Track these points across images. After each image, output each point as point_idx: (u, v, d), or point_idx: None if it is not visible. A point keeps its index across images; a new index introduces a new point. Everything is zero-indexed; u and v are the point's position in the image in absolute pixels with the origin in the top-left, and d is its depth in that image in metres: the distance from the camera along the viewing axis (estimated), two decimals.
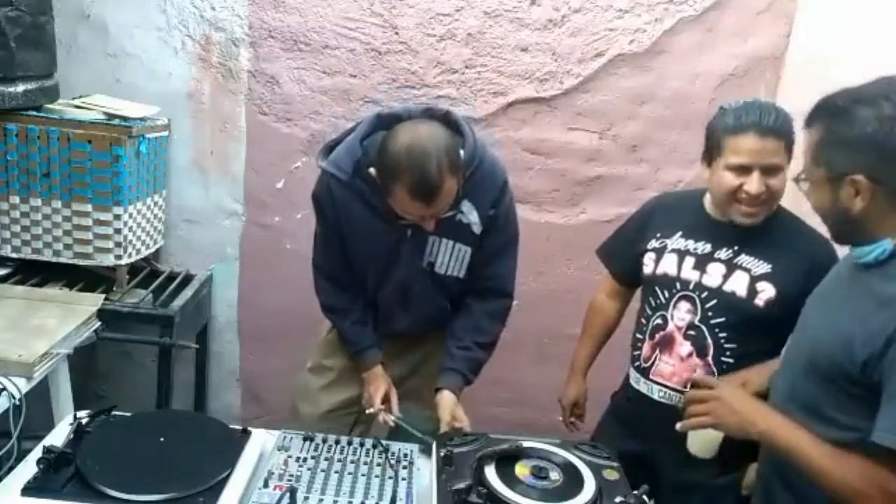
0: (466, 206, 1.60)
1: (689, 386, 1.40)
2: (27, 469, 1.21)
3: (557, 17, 2.29)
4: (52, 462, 1.19)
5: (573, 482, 1.27)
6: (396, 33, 2.32)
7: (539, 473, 1.27)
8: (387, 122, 1.56)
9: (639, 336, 1.67)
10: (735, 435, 1.25)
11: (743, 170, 1.43)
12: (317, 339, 1.91)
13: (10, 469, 1.25)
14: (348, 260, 1.69)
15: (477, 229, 1.63)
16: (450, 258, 1.65)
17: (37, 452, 1.24)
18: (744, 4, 2.27)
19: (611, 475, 1.31)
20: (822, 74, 2.10)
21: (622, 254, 1.77)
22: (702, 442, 1.43)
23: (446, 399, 1.64)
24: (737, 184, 1.44)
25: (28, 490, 1.16)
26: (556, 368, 2.51)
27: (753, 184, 1.42)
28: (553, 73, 2.34)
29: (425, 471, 1.36)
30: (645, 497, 1.23)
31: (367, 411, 1.69)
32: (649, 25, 2.30)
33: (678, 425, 1.32)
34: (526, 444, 1.36)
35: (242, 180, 2.47)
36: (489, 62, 2.33)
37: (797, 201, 1.51)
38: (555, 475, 1.28)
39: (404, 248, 1.62)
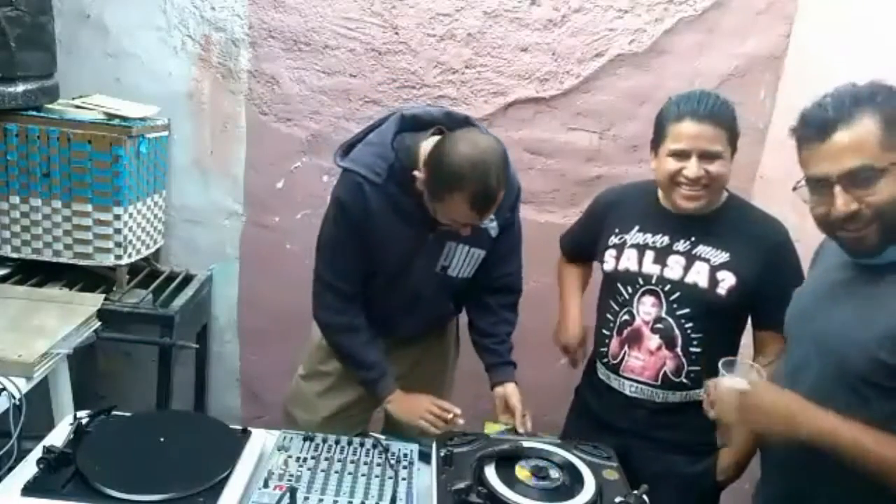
0: None
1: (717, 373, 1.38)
2: (27, 469, 1.21)
3: (557, 17, 2.29)
4: (52, 462, 1.19)
5: (573, 482, 1.27)
6: (396, 33, 2.32)
7: (539, 473, 1.28)
8: (410, 123, 1.57)
9: (605, 332, 1.67)
10: (775, 438, 1.20)
11: (682, 155, 1.48)
12: (309, 344, 1.88)
13: (10, 469, 1.25)
14: (360, 269, 1.65)
15: (494, 233, 1.66)
16: (464, 262, 1.66)
17: (37, 452, 1.24)
18: (744, 4, 2.27)
19: (611, 475, 1.32)
20: (822, 74, 2.10)
21: (578, 248, 1.83)
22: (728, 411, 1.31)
23: (514, 389, 1.70)
24: (677, 168, 1.49)
25: (28, 490, 1.16)
26: (556, 368, 2.52)
27: (692, 168, 1.46)
28: (553, 73, 2.34)
29: (425, 471, 1.36)
30: (645, 497, 1.24)
31: (444, 427, 1.62)
32: (649, 25, 2.30)
33: (709, 413, 1.30)
34: (526, 444, 1.36)
35: (242, 180, 2.47)
36: (489, 62, 2.33)
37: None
38: (555, 475, 1.28)
39: (421, 254, 1.62)
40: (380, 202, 1.54)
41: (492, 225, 1.64)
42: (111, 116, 2.11)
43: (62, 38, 2.25)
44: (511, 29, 2.31)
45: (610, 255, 1.65)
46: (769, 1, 2.26)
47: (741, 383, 1.25)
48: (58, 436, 1.33)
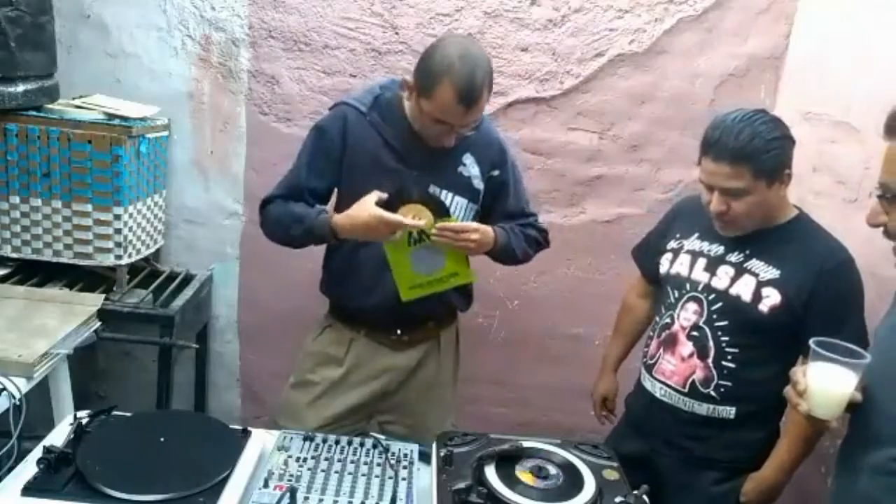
0: (469, 159, 1.68)
1: None
2: (27, 469, 1.21)
3: (557, 17, 2.29)
4: (52, 462, 1.19)
5: (573, 482, 1.27)
6: (396, 33, 2.31)
7: (539, 473, 1.27)
8: (403, 83, 1.63)
9: (650, 334, 1.71)
10: None
11: (708, 187, 1.48)
12: (300, 353, 1.88)
13: (10, 469, 1.25)
14: (312, 199, 1.70)
15: (478, 184, 1.70)
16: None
17: (37, 452, 1.24)
18: (744, 4, 2.27)
19: (611, 475, 1.31)
20: (822, 74, 2.10)
21: (649, 254, 1.79)
22: (823, 402, 1.15)
23: (479, 225, 1.64)
24: (707, 199, 1.49)
25: (28, 490, 1.16)
26: (557, 368, 2.52)
27: (713, 203, 1.46)
28: (553, 73, 2.34)
29: (425, 471, 1.36)
30: (645, 497, 1.24)
31: (398, 235, 1.57)
32: (649, 25, 2.30)
33: (799, 407, 1.17)
34: (526, 444, 1.36)
35: (242, 180, 2.47)
36: None
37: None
38: (555, 475, 1.28)
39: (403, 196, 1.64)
40: (362, 129, 1.64)
41: (475, 173, 1.68)
42: (111, 116, 2.11)
43: (62, 38, 2.25)
44: (511, 29, 2.31)
45: (666, 258, 1.66)
46: (769, 1, 2.26)
47: (845, 380, 1.11)
48: (58, 436, 1.33)
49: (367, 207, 1.54)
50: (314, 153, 1.70)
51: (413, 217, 1.56)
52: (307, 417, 1.77)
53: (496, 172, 1.72)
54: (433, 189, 1.66)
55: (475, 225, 1.63)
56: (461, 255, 1.69)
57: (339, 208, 1.70)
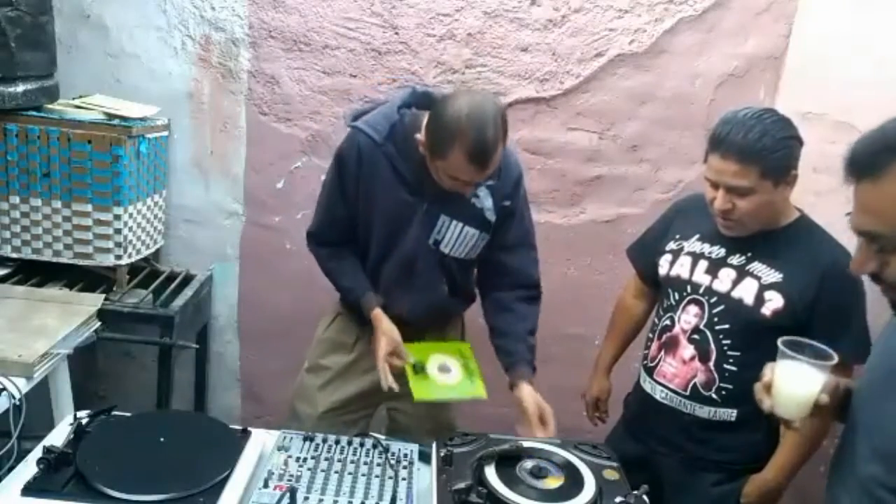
0: (483, 191, 1.64)
1: None
2: (27, 469, 1.21)
3: (557, 17, 2.29)
4: (52, 462, 1.19)
5: (573, 482, 1.27)
6: (396, 33, 2.31)
7: (539, 473, 1.28)
8: (421, 99, 1.61)
9: (650, 335, 1.70)
10: None
11: (714, 185, 1.46)
12: (314, 338, 1.91)
13: (10, 469, 1.25)
14: (352, 226, 1.72)
15: (490, 216, 1.67)
16: (456, 239, 1.68)
17: (37, 452, 1.24)
18: (744, 4, 2.27)
19: (611, 475, 1.32)
20: (822, 74, 2.10)
21: (646, 254, 1.78)
22: (788, 401, 1.11)
23: (528, 391, 1.61)
24: (711, 196, 1.47)
25: (28, 490, 1.16)
26: (557, 368, 2.52)
27: (718, 200, 1.45)
28: (553, 73, 2.34)
29: (425, 471, 1.36)
30: (645, 497, 1.24)
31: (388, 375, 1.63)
32: (649, 25, 2.29)
33: (763, 404, 1.14)
34: (526, 444, 1.36)
35: (242, 180, 2.47)
36: (489, 62, 2.33)
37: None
38: (555, 475, 1.28)
39: (415, 222, 1.64)
40: (376, 159, 1.61)
41: (487, 205, 1.66)
42: (111, 116, 2.11)
43: (62, 38, 2.25)
44: (511, 29, 2.31)
45: (665, 259, 1.65)
46: (769, 1, 2.26)
47: (810, 381, 1.08)
48: (58, 436, 1.33)
49: (391, 340, 1.65)
50: (336, 186, 1.70)
51: (439, 366, 1.69)
52: (319, 400, 1.81)
53: (508, 203, 1.70)
54: (443, 219, 1.64)
55: (548, 414, 1.61)
56: (474, 371, 1.71)
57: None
